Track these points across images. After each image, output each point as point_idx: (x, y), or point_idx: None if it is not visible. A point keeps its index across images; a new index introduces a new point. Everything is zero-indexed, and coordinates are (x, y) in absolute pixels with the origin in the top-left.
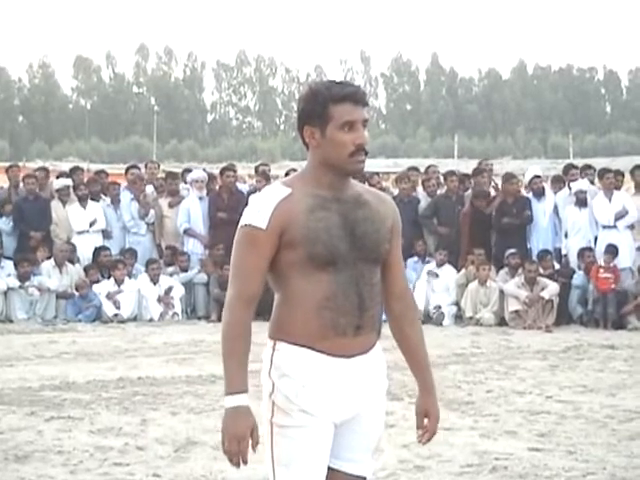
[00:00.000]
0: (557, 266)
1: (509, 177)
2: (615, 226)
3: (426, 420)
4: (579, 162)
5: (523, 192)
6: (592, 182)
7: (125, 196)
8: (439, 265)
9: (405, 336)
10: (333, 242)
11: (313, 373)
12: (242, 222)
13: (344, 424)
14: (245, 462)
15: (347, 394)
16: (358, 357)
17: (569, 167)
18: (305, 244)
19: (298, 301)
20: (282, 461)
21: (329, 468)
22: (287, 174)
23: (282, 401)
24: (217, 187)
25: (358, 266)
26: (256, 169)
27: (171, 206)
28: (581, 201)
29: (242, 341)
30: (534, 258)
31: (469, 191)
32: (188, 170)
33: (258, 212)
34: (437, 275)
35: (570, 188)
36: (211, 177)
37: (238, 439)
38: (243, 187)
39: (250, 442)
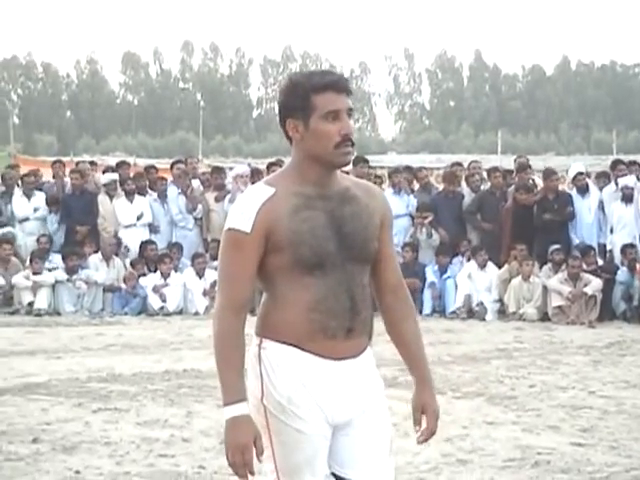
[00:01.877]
0: (601, 262)
1: (549, 173)
2: None
3: (423, 417)
4: (623, 158)
5: (566, 188)
6: (638, 178)
7: (172, 190)
8: (481, 267)
9: (398, 330)
10: (319, 243)
11: (303, 374)
12: (226, 226)
13: (344, 431)
14: (252, 473)
15: (339, 396)
16: (347, 360)
17: (617, 162)
18: (290, 248)
19: (287, 304)
20: (285, 470)
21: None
22: None
23: (275, 406)
24: None
25: (347, 267)
26: None
27: (217, 200)
28: (627, 197)
29: (235, 350)
30: (577, 254)
31: (512, 187)
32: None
33: (242, 215)
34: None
35: (617, 184)
36: (256, 172)
37: (241, 449)
38: None
39: (255, 451)
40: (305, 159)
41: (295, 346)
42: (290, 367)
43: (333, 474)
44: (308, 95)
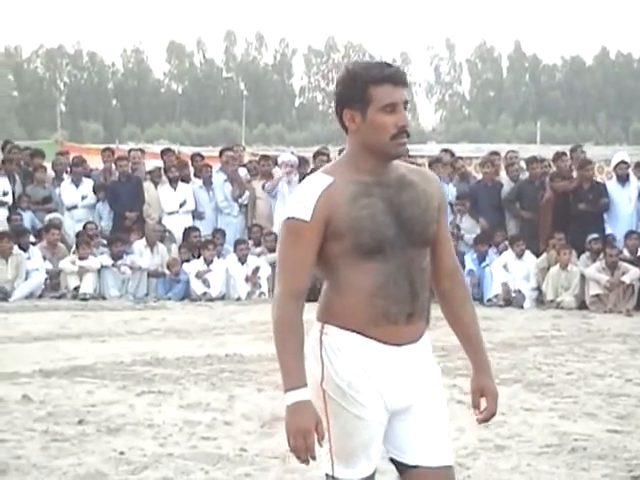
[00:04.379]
0: None
1: (584, 163)
2: None
3: (483, 400)
4: None
5: (604, 178)
6: None
7: (218, 177)
8: (518, 256)
9: (457, 316)
10: (379, 229)
11: (365, 360)
12: (286, 215)
13: (402, 416)
14: (314, 458)
15: (399, 382)
16: (409, 345)
17: None
18: (350, 234)
19: (348, 290)
20: (340, 454)
21: (408, 466)
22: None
23: (334, 391)
24: (309, 170)
25: (407, 251)
26: (340, 153)
27: (265, 189)
28: None
29: (295, 336)
30: (618, 242)
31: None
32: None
33: (301, 203)
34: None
35: None
36: (302, 160)
37: (304, 434)
38: None
39: (316, 436)
40: (361, 149)
41: (357, 332)
42: (352, 352)
43: (392, 459)
44: (366, 87)
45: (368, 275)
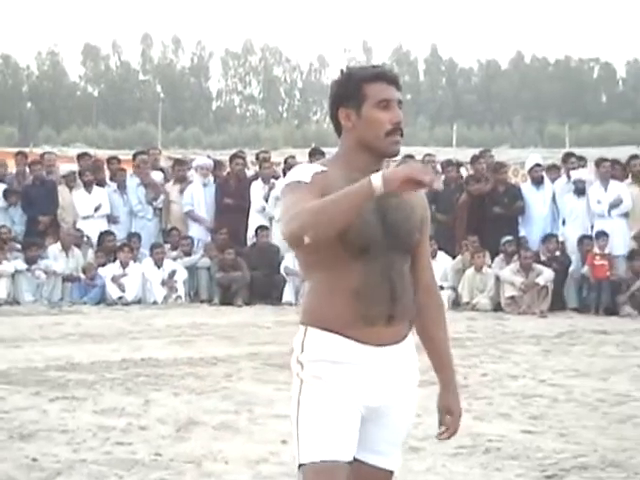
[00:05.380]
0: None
1: (498, 166)
2: (609, 215)
3: (448, 417)
4: (575, 151)
5: (519, 181)
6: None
7: (132, 181)
8: (432, 256)
9: (429, 334)
10: (366, 228)
11: (343, 356)
12: (285, 182)
13: (372, 415)
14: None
15: (376, 381)
16: (389, 347)
17: (569, 156)
18: None
19: (328, 290)
20: (308, 438)
21: (355, 460)
22: (286, 161)
23: (310, 378)
24: (225, 173)
25: (390, 255)
26: (257, 156)
27: (181, 192)
28: (580, 190)
29: (324, 199)
30: (531, 244)
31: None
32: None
33: (300, 173)
34: None
35: (569, 177)
36: (217, 164)
37: (410, 171)
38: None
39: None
40: (355, 147)
41: (338, 333)
42: (332, 350)
43: None
44: (361, 84)
45: (350, 276)
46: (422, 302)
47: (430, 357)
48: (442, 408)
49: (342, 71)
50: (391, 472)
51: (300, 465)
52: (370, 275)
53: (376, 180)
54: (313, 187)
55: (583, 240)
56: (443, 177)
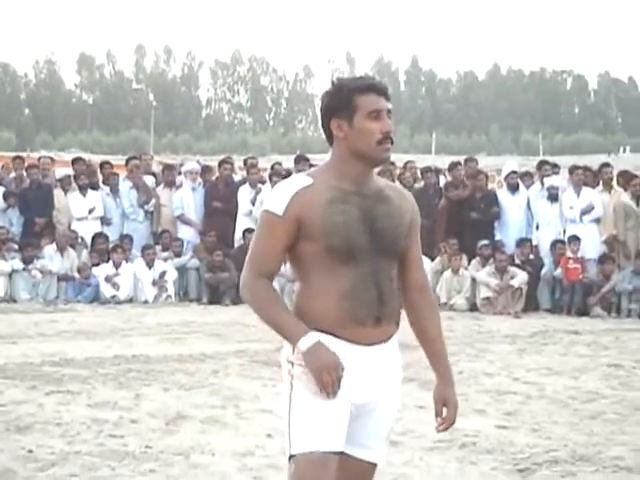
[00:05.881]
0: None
1: (475, 173)
2: (581, 220)
3: (445, 409)
4: (549, 159)
5: (495, 187)
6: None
7: (125, 185)
8: None
9: (423, 329)
10: (351, 235)
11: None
12: (263, 207)
13: (360, 411)
14: (338, 388)
15: (365, 379)
16: (377, 346)
17: (542, 163)
18: (323, 237)
19: (318, 292)
20: (300, 430)
21: (342, 453)
22: (272, 167)
23: (301, 375)
24: (214, 178)
25: (377, 260)
26: (245, 162)
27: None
28: (553, 196)
29: (277, 299)
30: (507, 248)
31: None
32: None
33: (277, 199)
34: None
35: (543, 183)
36: (205, 169)
37: (328, 370)
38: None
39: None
40: (348, 156)
41: (328, 332)
42: None
43: None
44: (352, 96)
45: (339, 279)
46: (415, 301)
47: (425, 350)
48: (439, 400)
49: (333, 83)
50: (374, 465)
51: (291, 456)
52: (358, 279)
53: (303, 345)
54: (284, 225)
55: (556, 244)
56: (422, 183)
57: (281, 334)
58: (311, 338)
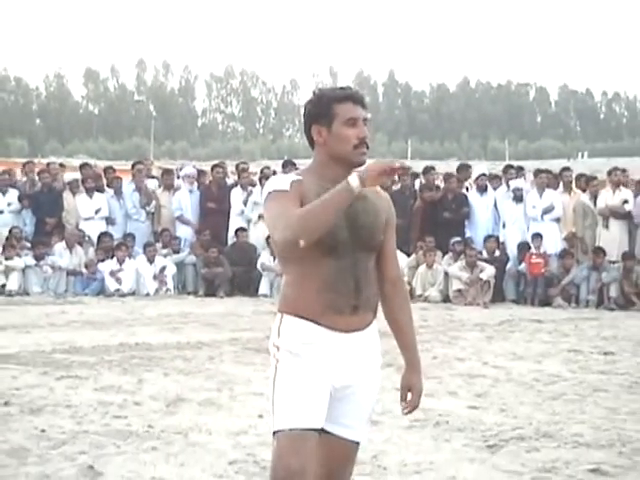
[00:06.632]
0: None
1: (448, 176)
2: (542, 219)
3: (409, 394)
4: (514, 164)
5: (467, 187)
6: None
7: (128, 188)
8: None
9: (394, 318)
10: (334, 231)
11: (315, 339)
12: (266, 191)
13: (340, 393)
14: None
15: (343, 363)
16: (355, 333)
17: (508, 167)
18: None
19: (302, 282)
20: (282, 408)
21: (325, 431)
22: (262, 171)
23: (285, 358)
24: (207, 181)
25: (356, 253)
26: (237, 167)
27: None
28: (518, 197)
29: (313, 202)
30: (477, 244)
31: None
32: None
33: (279, 182)
34: None
35: (509, 185)
36: (201, 173)
37: (385, 162)
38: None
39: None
40: (327, 160)
41: (311, 320)
42: (305, 333)
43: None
44: (331, 104)
45: (321, 270)
46: (389, 293)
47: (396, 339)
48: (405, 385)
49: (314, 92)
50: (357, 443)
51: (274, 433)
52: (338, 270)
53: (353, 180)
54: (293, 194)
55: (523, 246)
56: (399, 185)
57: (336, 201)
58: (351, 176)
